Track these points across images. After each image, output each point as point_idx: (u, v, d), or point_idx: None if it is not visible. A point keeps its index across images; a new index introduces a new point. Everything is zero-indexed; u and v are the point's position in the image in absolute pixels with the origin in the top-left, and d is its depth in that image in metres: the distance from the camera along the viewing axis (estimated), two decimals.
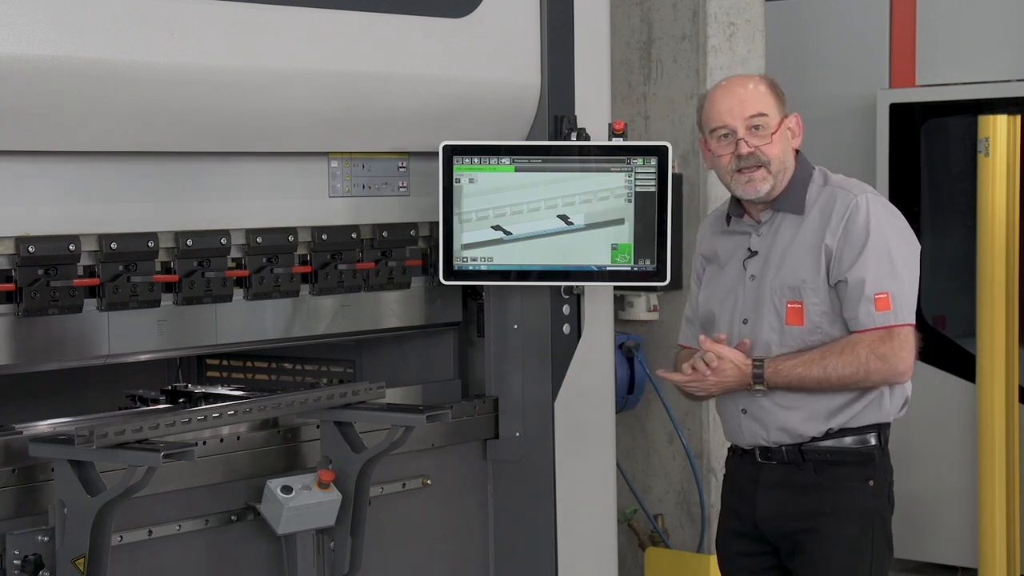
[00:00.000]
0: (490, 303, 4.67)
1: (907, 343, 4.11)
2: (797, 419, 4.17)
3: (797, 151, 4.27)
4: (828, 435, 4.17)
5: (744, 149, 4.15)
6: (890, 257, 4.12)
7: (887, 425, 4.22)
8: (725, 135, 4.17)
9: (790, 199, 4.21)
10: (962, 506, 7.09)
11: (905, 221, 4.23)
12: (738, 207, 4.29)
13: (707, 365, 4.14)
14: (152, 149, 3.92)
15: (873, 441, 4.18)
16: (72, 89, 3.63)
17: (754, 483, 4.25)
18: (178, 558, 3.95)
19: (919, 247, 4.23)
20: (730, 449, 4.38)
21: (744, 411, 4.23)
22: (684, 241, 6.26)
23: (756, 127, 4.16)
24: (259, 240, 4.14)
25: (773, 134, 4.16)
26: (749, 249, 4.26)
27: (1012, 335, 6.66)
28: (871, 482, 4.18)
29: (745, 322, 4.23)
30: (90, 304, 3.83)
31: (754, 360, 4.15)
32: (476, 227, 4.43)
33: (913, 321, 4.15)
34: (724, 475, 4.41)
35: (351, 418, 4.14)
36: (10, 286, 3.69)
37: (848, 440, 4.17)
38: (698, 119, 4.29)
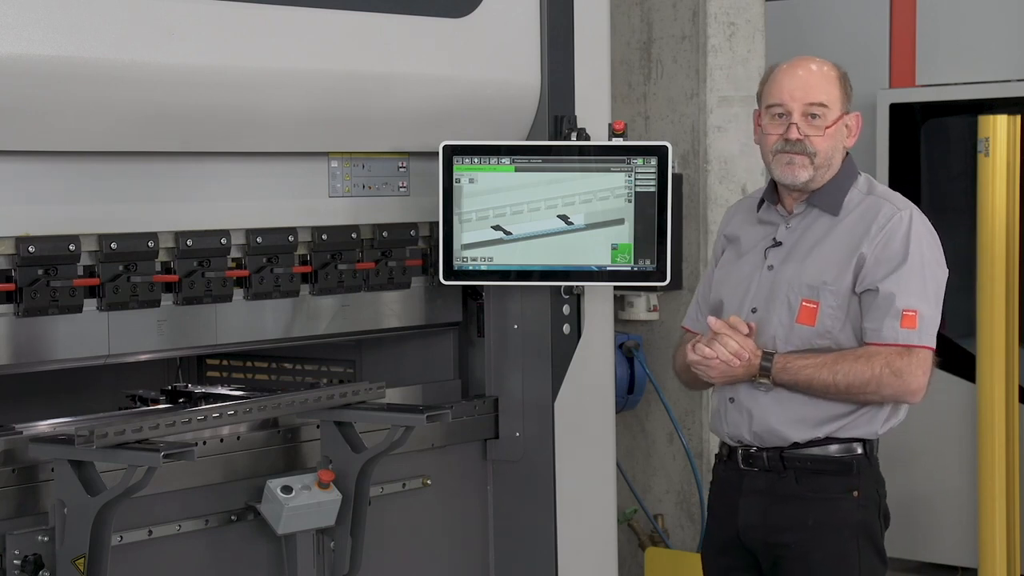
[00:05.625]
0: (490, 303, 4.67)
1: (924, 364, 4.01)
2: (784, 420, 4.07)
3: (847, 153, 4.16)
4: (813, 443, 4.07)
5: (793, 134, 4.04)
6: (924, 278, 4.02)
7: (875, 439, 4.12)
8: (780, 115, 4.07)
9: (827, 198, 4.10)
10: (962, 506, 7.09)
11: (940, 244, 4.12)
12: (774, 193, 4.19)
13: (715, 349, 4.01)
14: (152, 149, 3.92)
15: (859, 451, 4.08)
16: (72, 89, 3.63)
17: (737, 490, 4.16)
18: (178, 558, 3.95)
19: (947, 273, 4.12)
20: (717, 456, 4.29)
21: (731, 400, 4.14)
22: (684, 241, 6.27)
23: (813, 115, 4.04)
24: (259, 240, 4.14)
25: (828, 127, 4.05)
26: (774, 239, 4.16)
27: (1012, 335, 6.66)
28: (855, 493, 4.07)
29: (754, 311, 4.13)
30: (90, 304, 3.83)
31: (764, 352, 4.06)
32: (476, 227, 4.43)
33: (934, 346, 4.04)
34: (711, 481, 4.33)
35: (351, 418, 4.14)
36: (10, 286, 3.69)
37: (832, 448, 4.07)
38: (758, 90, 4.17)
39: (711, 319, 4.10)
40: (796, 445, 4.09)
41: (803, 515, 4.08)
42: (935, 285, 4.06)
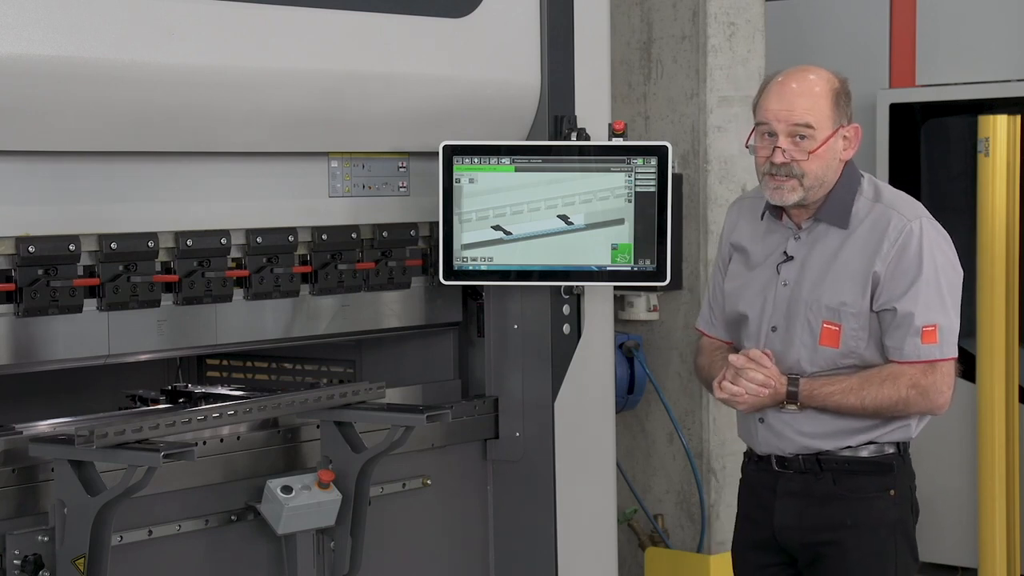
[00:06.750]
0: (490, 303, 4.67)
1: (948, 377, 4.01)
2: (818, 435, 4.07)
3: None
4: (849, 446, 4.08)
5: (778, 158, 3.97)
6: (940, 289, 3.98)
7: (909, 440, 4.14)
8: (768, 133, 4.00)
9: (834, 211, 4.04)
10: (962, 506, 7.09)
11: (952, 246, 4.07)
12: (777, 208, 4.11)
13: (741, 385, 4.01)
14: (152, 149, 3.92)
15: (891, 450, 4.08)
16: (72, 89, 3.63)
17: (772, 492, 4.15)
18: (178, 558, 3.95)
19: (963, 273, 4.08)
20: (746, 454, 4.28)
21: (761, 420, 4.14)
22: (684, 241, 6.26)
23: (800, 136, 3.96)
24: (259, 240, 4.14)
25: (815, 150, 3.96)
26: (785, 253, 4.11)
27: (1012, 335, 6.66)
28: (891, 491, 4.08)
29: (774, 329, 4.10)
30: (90, 304, 3.83)
31: (789, 377, 4.03)
32: (476, 227, 4.43)
33: (956, 354, 4.03)
34: (740, 480, 4.32)
35: (351, 418, 4.14)
36: (10, 286, 3.69)
37: (868, 450, 4.07)
38: (754, 101, 4.09)
39: (733, 357, 4.06)
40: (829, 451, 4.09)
41: (841, 515, 4.08)
42: (952, 292, 4.02)
